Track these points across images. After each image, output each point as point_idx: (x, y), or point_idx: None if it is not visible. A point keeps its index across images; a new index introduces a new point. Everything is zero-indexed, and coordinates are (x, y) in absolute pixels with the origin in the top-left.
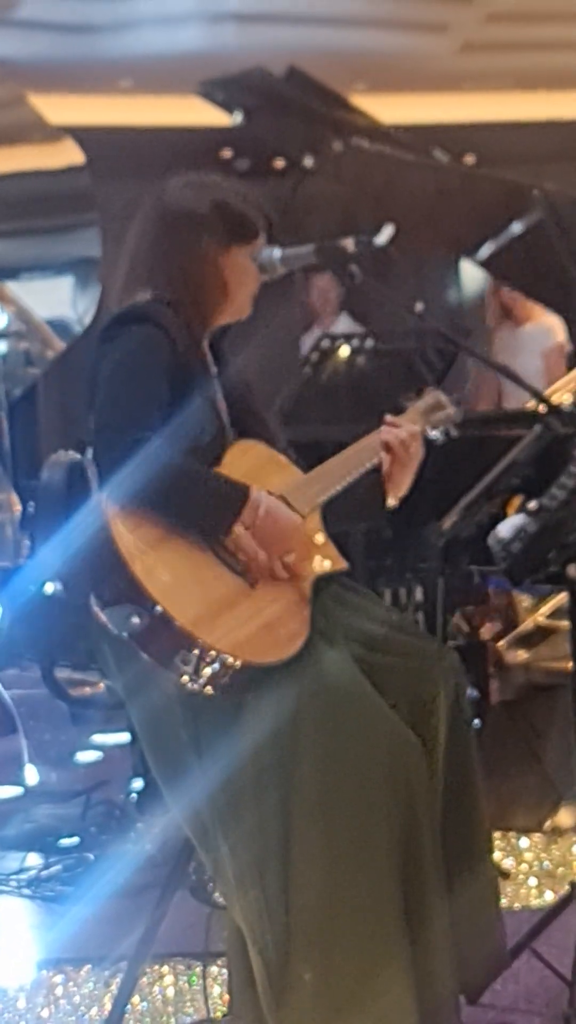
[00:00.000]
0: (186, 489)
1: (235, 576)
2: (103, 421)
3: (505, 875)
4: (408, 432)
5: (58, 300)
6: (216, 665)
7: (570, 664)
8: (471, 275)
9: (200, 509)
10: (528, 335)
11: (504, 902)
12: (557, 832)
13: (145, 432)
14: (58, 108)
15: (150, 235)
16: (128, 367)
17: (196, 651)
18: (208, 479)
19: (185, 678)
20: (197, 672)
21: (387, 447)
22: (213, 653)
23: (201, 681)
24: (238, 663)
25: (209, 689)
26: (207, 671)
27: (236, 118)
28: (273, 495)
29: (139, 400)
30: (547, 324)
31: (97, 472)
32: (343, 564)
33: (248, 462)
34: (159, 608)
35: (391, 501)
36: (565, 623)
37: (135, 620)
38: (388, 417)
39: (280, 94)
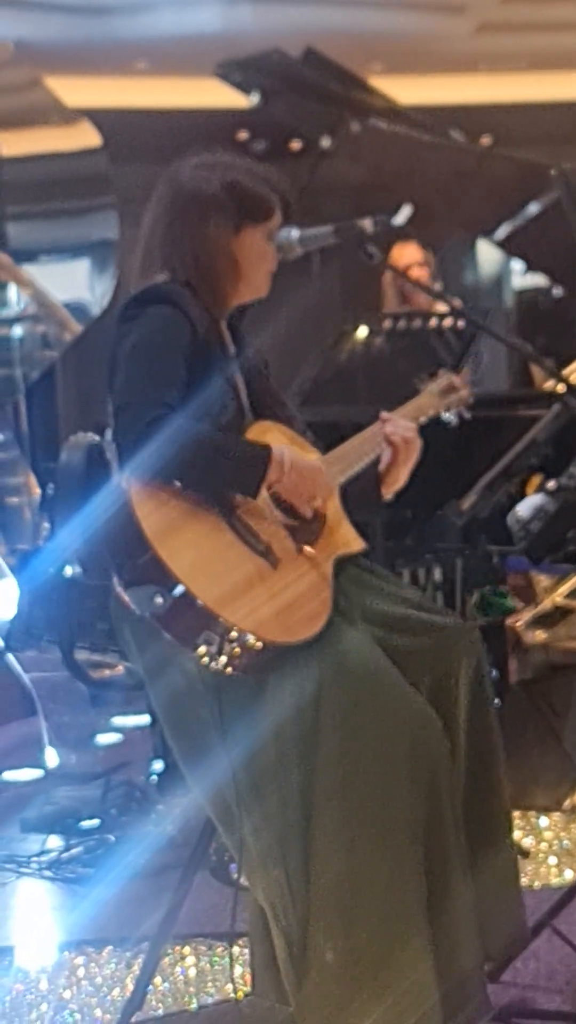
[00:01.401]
0: (210, 457)
1: (257, 556)
2: (123, 401)
3: (525, 854)
4: (410, 429)
5: (75, 283)
6: (238, 644)
7: None
8: (488, 256)
9: (227, 475)
10: None
11: (524, 881)
12: None
13: (164, 411)
14: (74, 90)
15: (164, 219)
16: (147, 346)
17: (219, 630)
18: (230, 444)
19: (207, 658)
20: (219, 651)
21: (390, 443)
22: (235, 633)
23: (223, 660)
24: (260, 642)
25: (231, 669)
26: (229, 650)
27: (253, 99)
28: None
29: (158, 379)
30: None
31: (117, 452)
32: (362, 544)
33: (267, 443)
34: (182, 587)
35: (386, 495)
36: None
37: (159, 600)
38: (384, 414)
39: (297, 75)
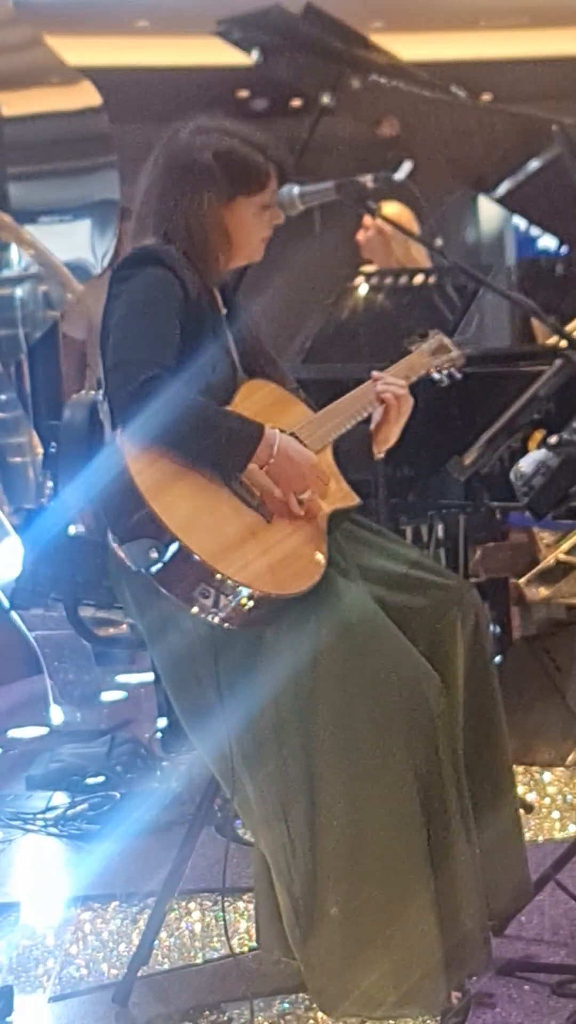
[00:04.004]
0: (201, 428)
1: (251, 511)
2: (116, 360)
3: (529, 809)
4: (401, 386)
5: (77, 243)
6: (235, 598)
7: None
8: (490, 213)
9: (215, 448)
10: None
11: (528, 835)
12: None
13: (157, 370)
14: (75, 49)
15: (157, 185)
16: (139, 307)
17: (215, 584)
18: (222, 418)
19: (204, 612)
20: (216, 605)
21: (382, 401)
22: (231, 584)
23: (220, 615)
24: (256, 595)
25: (228, 623)
26: (226, 604)
27: (253, 57)
28: (285, 432)
29: (151, 339)
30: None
31: (110, 410)
32: (356, 500)
33: (259, 401)
34: (178, 542)
35: (378, 454)
36: None
37: (154, 554)
38: (375, 373)
39: (297, 32)
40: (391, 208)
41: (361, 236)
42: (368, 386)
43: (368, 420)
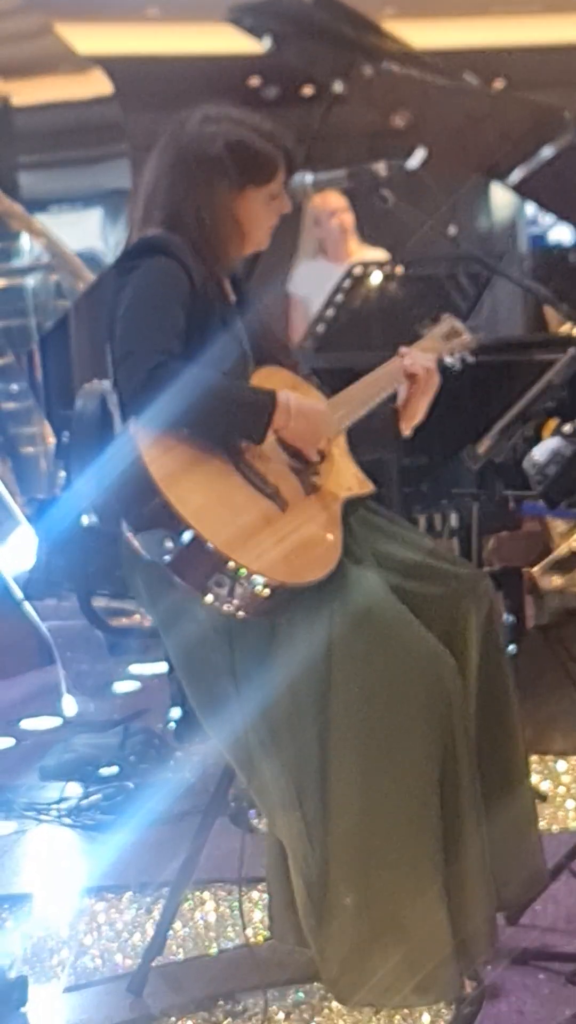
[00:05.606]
0: (215, 404)
1: (265, 499)
2: (123, 350)
3: (543, 798)
4: (430, 360)
5: (88, 232)
6: (250, 587)
7: None
8: (502, 200)
9: (232, 421)
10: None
11: (542, 824)
12: None
13: (164, 359)
14: (85, 37)
15: (166, 177)
16: (146, 297)
17: (229, 573)
18: (234, 390)
19: (218, 601)
20: (231, 595)
21: (411, 376)
22: (246, 574)
23: (235, 604)
24: (271, 585)
25: (243, 612)
26: (240, 593)
27: (265, 44)
28: None
29: (158, 328)
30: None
31: (119, 401)
32: (370, 487)
33: (274, 387)
34: (192, 531)
35: (405, 431)
36: None
37: (168, 544)
38: (403, 348)
39: (310, 19)
40: (334, 197)
41: (343, 217)
42: (391, 364)
43: (391, 400)
